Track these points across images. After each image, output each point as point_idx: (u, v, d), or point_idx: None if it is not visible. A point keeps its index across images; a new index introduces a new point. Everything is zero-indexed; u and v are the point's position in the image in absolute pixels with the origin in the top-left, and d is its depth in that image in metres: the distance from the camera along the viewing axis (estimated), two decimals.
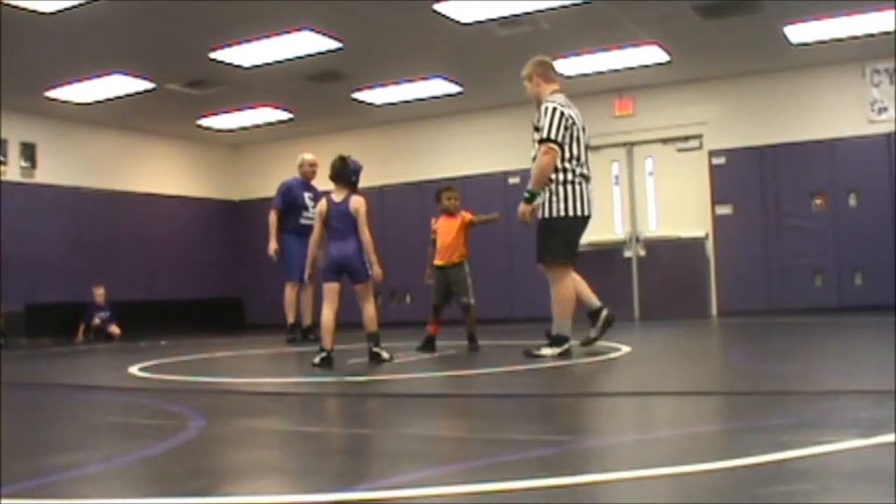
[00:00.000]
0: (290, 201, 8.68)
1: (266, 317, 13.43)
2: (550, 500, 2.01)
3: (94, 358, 8.18)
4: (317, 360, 5.65)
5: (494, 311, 10.46)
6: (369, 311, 5.84)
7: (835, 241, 10.70)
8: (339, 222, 5.78)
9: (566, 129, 5.70)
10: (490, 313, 10.07)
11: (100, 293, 11.37)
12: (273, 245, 8.52)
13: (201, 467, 2.58)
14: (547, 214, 5.74)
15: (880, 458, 2.24)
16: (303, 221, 8.51)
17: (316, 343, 8.62)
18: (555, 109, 5.72)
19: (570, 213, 5.71)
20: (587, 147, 5.90)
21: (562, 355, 5.65)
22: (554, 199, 5.71)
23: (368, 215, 5.82)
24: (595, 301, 6.08)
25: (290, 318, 8.68)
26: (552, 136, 5.66)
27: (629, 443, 2.80)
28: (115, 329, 11.27)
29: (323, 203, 5.88)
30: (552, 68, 6.07)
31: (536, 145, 5.78)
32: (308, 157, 8.95)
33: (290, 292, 8.66)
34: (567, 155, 5.72)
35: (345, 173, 5.85)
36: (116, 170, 13.18)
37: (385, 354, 5.84)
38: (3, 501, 2.06)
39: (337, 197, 5.84)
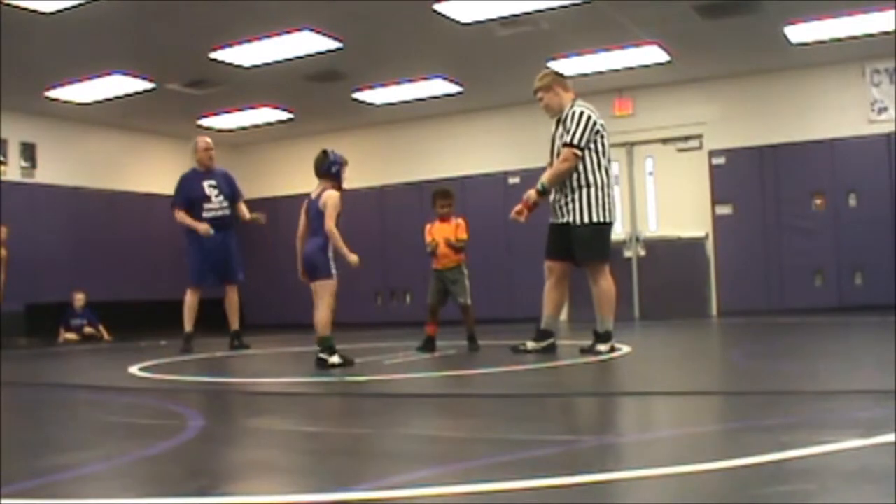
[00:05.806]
0: (188, 195, 7.68)
1: (266, 317, 13.45)
2: (550, 500, 2.01)
3: (94, 358, 8.17)
4: (335, 359, 5.52)
5: (494, 311, 10.46)
6: (321, 313, 5.57)
7: (835, 241, 10.70)
8: (312, 218, 5.75)
9: (596, 133, 5.78)
10: (490, 313, 10.07)
11: (79, 298, 11.29)
12: (203, 226, 7.55)
13: (201, 467, 2.58)
14: (591, 219, 5.76)
15: (880, 458, 2.24)
16: (205, 215, 7.65)
17: (245, 349, 7.94)
18: (583, 114, 5.80)
19: (608, 218, 5.83)
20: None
21: (612, 349, 5.85)
22: (595, 203, 5.77)
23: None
24: (556, 323, 6.19)
25: (188, 327, 7.80)
26: (578, 142, 5.73)
27: (629, 443, 2.80)
28: (101, 332, 11.20)
29: (306, 201, 5.88)
30: (565, 78, 6.10)
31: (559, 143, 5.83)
32: (201, 140, 7.90)
33: (190, 297, 7.86)
34: (598, 161, 5.80)
35: (323, 166, 5.78)
36: (116, 170, 13.19)
37: (334, 360, 5.49)
38: (3, 501, 2.06)
39: (314, 193, 5.79)
